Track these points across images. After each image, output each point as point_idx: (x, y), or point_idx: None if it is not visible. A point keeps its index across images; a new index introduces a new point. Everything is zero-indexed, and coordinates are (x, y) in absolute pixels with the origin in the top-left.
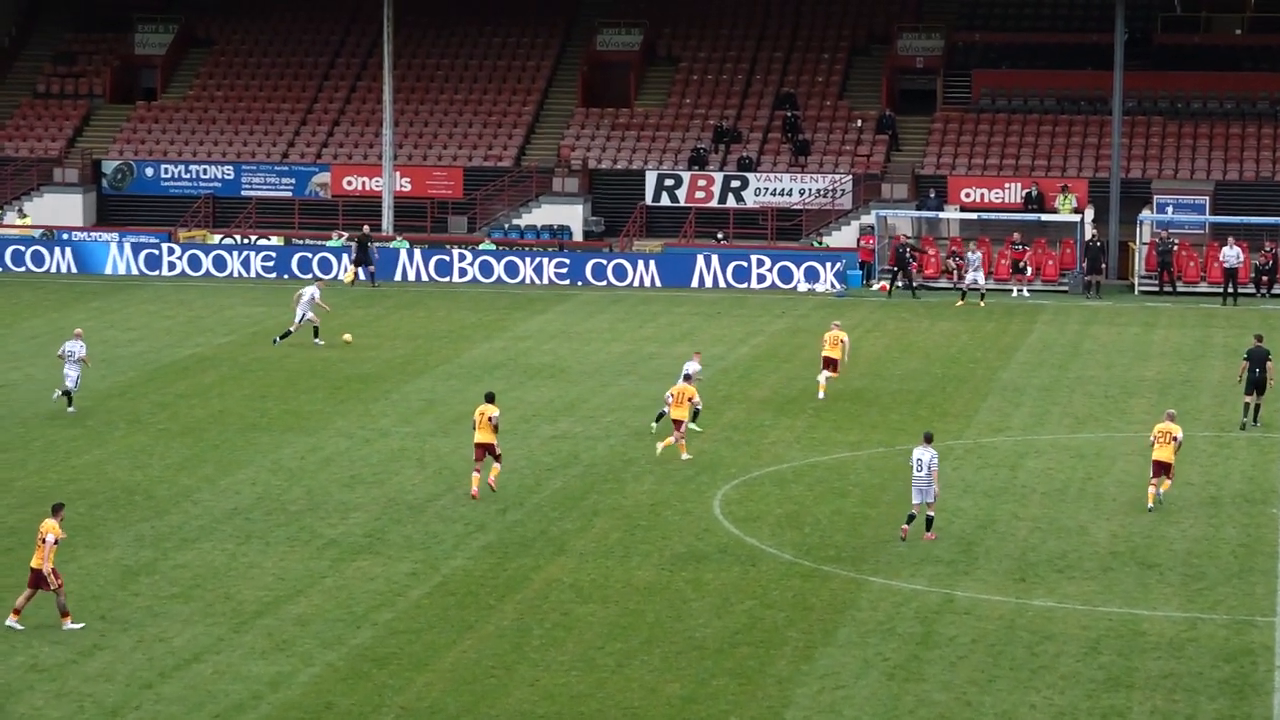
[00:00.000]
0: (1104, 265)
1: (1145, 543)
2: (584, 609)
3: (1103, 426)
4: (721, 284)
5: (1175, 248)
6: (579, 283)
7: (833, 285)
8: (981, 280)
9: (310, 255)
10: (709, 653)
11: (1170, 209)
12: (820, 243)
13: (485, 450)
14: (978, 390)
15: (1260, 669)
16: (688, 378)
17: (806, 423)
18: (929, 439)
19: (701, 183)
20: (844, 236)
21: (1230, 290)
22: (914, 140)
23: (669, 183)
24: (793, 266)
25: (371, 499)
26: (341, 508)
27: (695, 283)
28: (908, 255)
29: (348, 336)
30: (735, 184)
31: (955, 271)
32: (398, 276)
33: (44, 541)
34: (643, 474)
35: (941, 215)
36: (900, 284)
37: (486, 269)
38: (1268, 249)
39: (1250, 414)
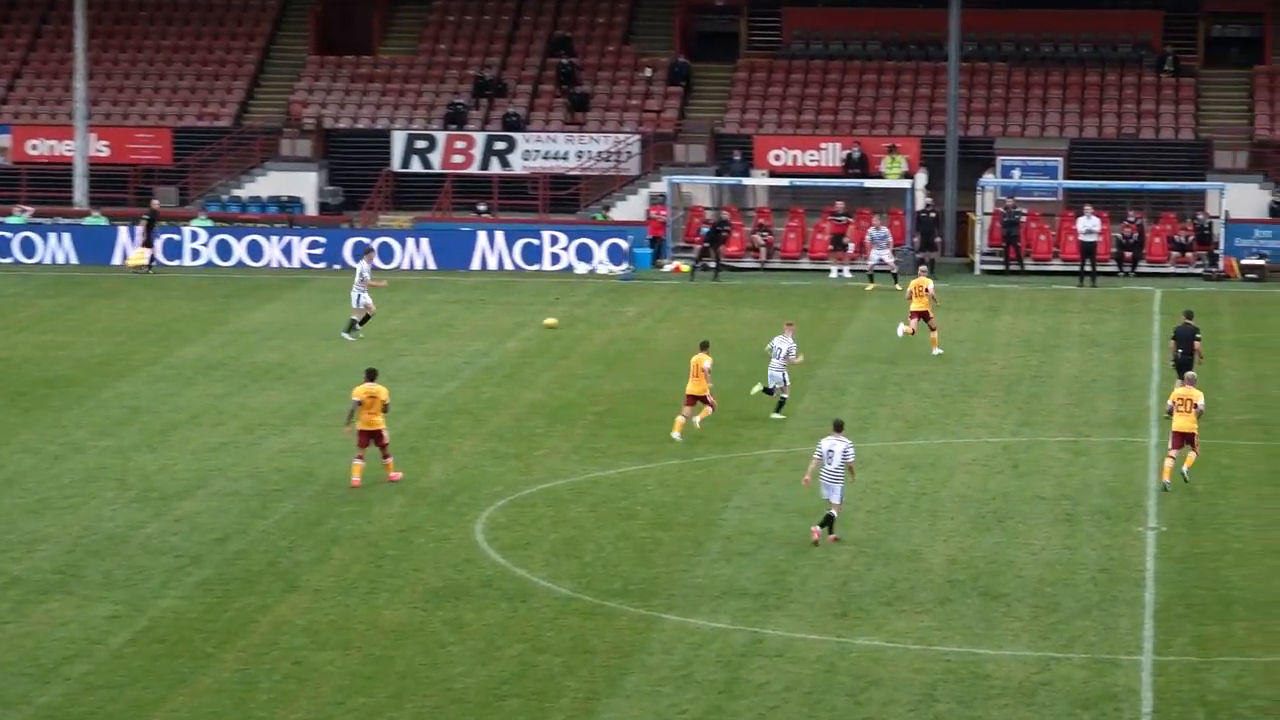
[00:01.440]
0: (939, 240)
1: (989, 569)
2: (320, 656)
3: (939, 431)
4: (508, 265)
5: (1023, 219)
6: (336, 265)
7: (624, 265)
8: (889, 259)
9: (10, 235)
10: (471, 706)
11: (1017, 173)
12: (603, 215)
13: (372, 438)
14: (791, 389)
15: (1125, 716)
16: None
17: (587, 430)
18: (840, 427)
19: (459, 145)
20: (630, 208)
21: (1088, 269)
22: (713, 93)
23: (420, 145)
24: (593, 245)
25: (63, 528)
26: (26, 539)
27: (477, 264)
28: (721, 232)
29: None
30: (500, 146)
31: (764, 249)
32: (115, 259)
33: None
34: (391, 494)
35: (746, 182)
36: (702, 265)
37: (225, 250)
38: (1132, 219)
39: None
